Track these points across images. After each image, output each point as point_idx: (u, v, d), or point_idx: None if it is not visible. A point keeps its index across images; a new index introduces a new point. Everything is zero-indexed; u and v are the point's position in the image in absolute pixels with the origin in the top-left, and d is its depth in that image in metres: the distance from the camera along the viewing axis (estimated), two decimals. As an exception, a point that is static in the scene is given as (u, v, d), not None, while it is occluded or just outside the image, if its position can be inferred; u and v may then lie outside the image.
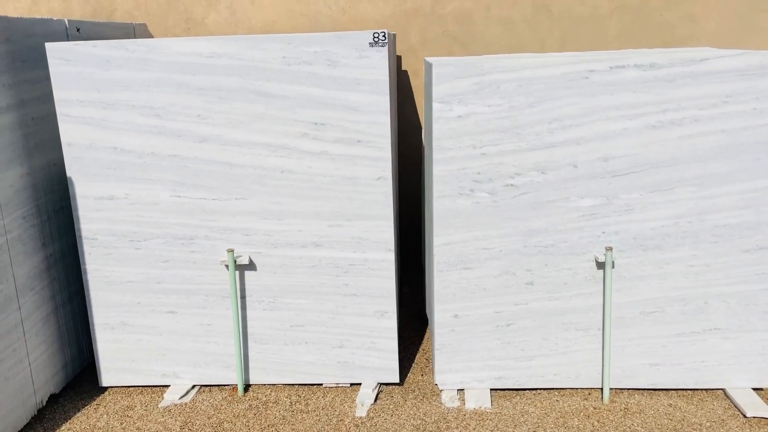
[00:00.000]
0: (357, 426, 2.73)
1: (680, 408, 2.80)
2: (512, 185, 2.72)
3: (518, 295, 2.84)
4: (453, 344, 2.91)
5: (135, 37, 3.95)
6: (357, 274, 2.87)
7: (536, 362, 2.92)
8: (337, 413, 2.82)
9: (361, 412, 2.83)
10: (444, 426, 2.72)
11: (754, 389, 2.90)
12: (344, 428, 2.72)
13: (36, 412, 2.85)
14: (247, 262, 2.86)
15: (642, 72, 2.58)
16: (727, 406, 2.80)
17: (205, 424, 2.77)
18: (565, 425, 2.70)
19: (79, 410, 2.91)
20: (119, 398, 3.00)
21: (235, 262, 2.82)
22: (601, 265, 2.78)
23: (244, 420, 2.79)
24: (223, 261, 2.84)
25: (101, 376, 3.06)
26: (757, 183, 2.66)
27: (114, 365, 3.05)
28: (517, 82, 2.61)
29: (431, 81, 2.66)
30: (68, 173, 2.81)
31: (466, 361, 2.93)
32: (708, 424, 2.69)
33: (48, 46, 2.68)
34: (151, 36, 4.24)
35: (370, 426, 2.73)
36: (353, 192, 2.78)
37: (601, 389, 2.89)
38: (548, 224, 2.76)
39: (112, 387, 3.10)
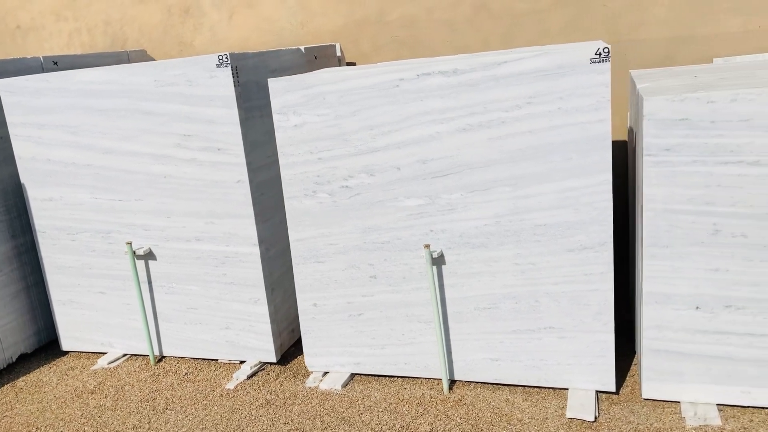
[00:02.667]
0: (221, 396, 3.16)
1: (514, 404, 2.85)
2: (347, 187, 2.96)
3: (364, 287, 3.07)
4: (315, 330, 3.21)
5: (129, 62, 4.69)
6: (232, 266, 3.29)
7: (388, 350, 3.12)
8: (213, 384, 3.27)
9: (230, 385, 3.25)
10: (290, 402, 3.05)
11: (605, 392, 2.85)
12: (211, 396, 3.16)
13: (5, 366, 3.66)
14: (145, 253, 3.40)
15: (447, 78, 2.68)
16: (561, 406, 2.79)
17: (112, 386, 3.37)
18: (394, 410, 2.89)
19: (38, 367, 3.67)
20: (70, 360, 3.72)
21: (134, 252, 3.38)
22: (433, 261, 2.91)
23: (142, 384, 3.34)
24: (125, 252, 3.42)
25: (61, 342, 3.80)
26: (572, 182, 2.63)
27: (69, 334, 3.78)
28: (339, 93, 2.85)
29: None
30: (21, 180, 3.56)
31: (328, 346, 3.21)
32: (529, 421, 2.72)
33: (0, 81, 3.44)
34: (151, 59, 4.97)
35: (231, 397, 3.14)
36: (220, 194, 3.19)
37: (448, 380, 3.02)
38: (382, 222, 2.95)
39: (71, 351, 3.84)
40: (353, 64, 4.51)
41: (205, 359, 3.55)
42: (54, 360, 3.75)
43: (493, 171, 2.73)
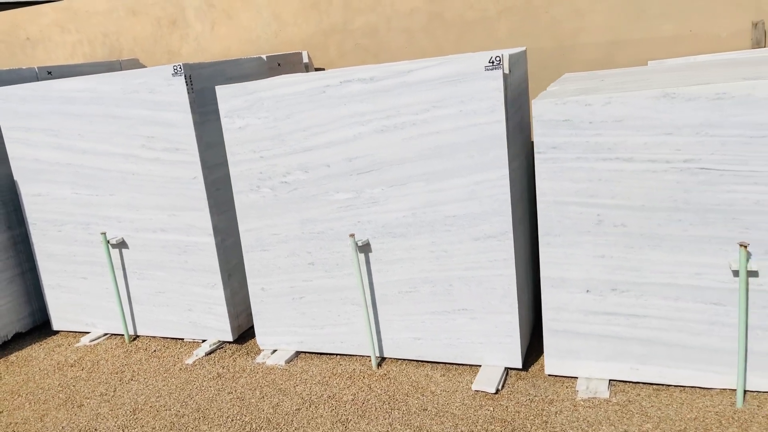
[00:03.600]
0: (180, 370, 3.54)
1: (431, 378, 3.14)
2: (286, 182, 3.30)
3: (304, 273, 3.40)
4: (264, 312, 3.56)
5: (121, 69, 5.12)
6: (192, 254, 3.66)
7: (327, 330, 3.45)
8: (176, 360, 3.65)
9: (190, 360, 3.62)
10: (238, 375, 3.40)
11: (514, 369, 3.12)
12: (172, 370, 3.54)
13: (1, 343, 4.11)
14: (118, 242, 3.80)
15: (365, 85, 2.99)
16: (472, 380, 3.08)
17: (89, 360, 3.78)
18: (326, 383, 3.22)
19: (30, 344, 4.11)
20: (59, 338, 4.16)
21: (108, 242, 3.78)
22: (360, 249, 3.22)
23: (115, 359, 3.74)
24: (101, 241, 3.82)
25: (52, 322, 4.24)
26: (475, 177, 2.91)
27: (58, 315, 4.21)
28: (275, 99, 3.19)
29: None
30: (15, 177, 4.00)
31: (275, 326, 3.56)
32: (440, 393, 3.01)
33: (-6, 90, 3.89)
34: (142, 66, 5.40)
35: (188, 370, 3.51)
36: (180, 189, 3.57)
37: (378, 357, 3.34)
38: (317, 214, 3.28)
39: (61, 330, 4.28)
40: (322, 69, 4.85)
41: (172, 338, 3.94)
42: (45, 338, 4.19)
43: (408, 168, 3.03)
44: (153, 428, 3.00)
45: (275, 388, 3.24)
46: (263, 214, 3.40)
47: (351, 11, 4.60)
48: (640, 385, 2.89)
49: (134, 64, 5.29)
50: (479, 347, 3.15)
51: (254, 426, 2.93)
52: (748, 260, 2.55)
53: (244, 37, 4.99)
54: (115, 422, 3.09)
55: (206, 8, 5.03)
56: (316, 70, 4.84)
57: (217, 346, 3.76)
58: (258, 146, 3.30)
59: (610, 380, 2.94)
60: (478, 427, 2.73)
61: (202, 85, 3.51)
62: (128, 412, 3.18)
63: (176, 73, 3.38)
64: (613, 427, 2.63)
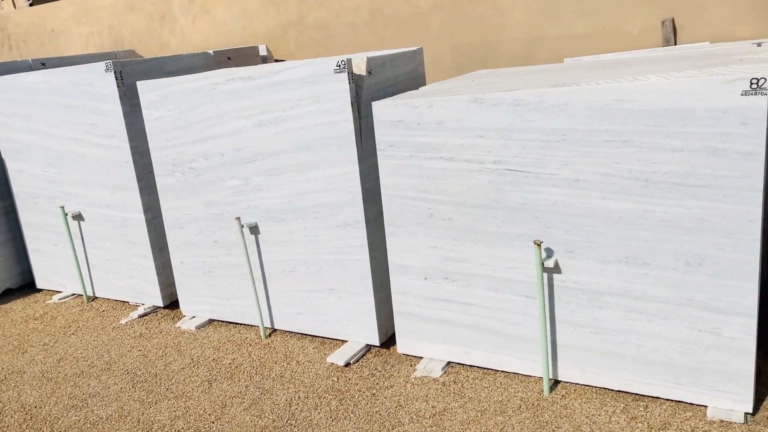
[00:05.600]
0: (113, 329, 4.07)
1: (304, 349, 3.48)
2: (192, 168, 3.70)
3: (211, 250, 3.81)
4: (184, 283, 4.01)
5: (117, 59, 5.69)
6: (129, 228, 4.16)
7: (231, 302, 3.85)
8: (114, 320, 4.19)
9: (123, 321, 4.15)
10: (154, 336, 3.89)
11: (376, 346, 3.40)
12: (107, 329, 4.08)
13: (-7, 297, 4.86)
14: (75, 215, 4.36)
15: (245, 83, 3.33)
16: (337, 352, 3.39)
17: (51, 315, 4.40)
18: (218, 348, 3.63)
19: (14, 299, 4.81)
20: (40, 296, 4.83)
21: (66, 214, 4.36)
22: (251, 231, 3.59)
23: (69, 316, 4.34)
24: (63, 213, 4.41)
25: (36, 281, 4.92)
26: (334, 170, 3.19)
27: (41, 275, 4.88)
28: (180, 93, 3.58)
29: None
30: (2, 156, 4.66)
31: (193, 296, 4.00)
32: (304, 362, 3.35)
33: (-17, 81, 4.53)
34: (139, 56, 5.96)
35: (119, 329, 4.04)
36: (117, 171, 4.06)
37: (270, 327, 3.71)
38: (217, 198, 3.66)
39: (44, 289, 4.95)
40: (282, 60, 5.20)
41: (121, 301, 4.49)
42: (28, 295, 4.88)
43: (283, 159, 3.35)
44: (66, 375, 3.55)
45: (176, 349, 3.70)
46: (177, 195, 3.83)
47: (305, 7, 4.92)
48: (474, 368, 3.10)
49: (131, 54, 5.87)
50: (346, 324, 3.45)
51: (141, 379, 3.40)
52: (548, 257, 2.69)
53: (219, 30, 5.43)
54: (42, 368, 3.67)
55: (188, 4, 5.50)
56: (276, 61, 5.20)
57: (151, 310, 4.27)
58: (170, 135, 3.73)
59: (449, 362, 3.17)
60: (314, 395, 3.05)
61: (135, 79, 3.97)
62: (55, 360, 3.74)
63: (108, 69, 3.85)
64: (425, 403, 2.87)
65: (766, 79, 2.15)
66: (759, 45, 3.32)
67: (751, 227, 2.30)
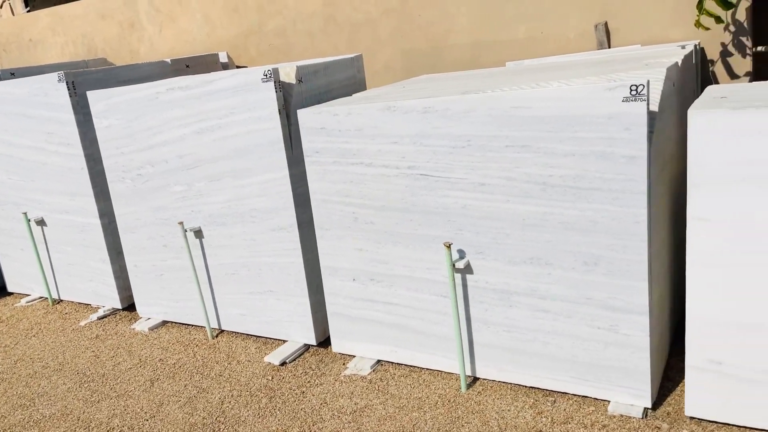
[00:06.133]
0: (72, 330, 4.20)
1: (246, 349, 3.59)
2: (140, 175, 3.82)
3: (161, 254, 3.93)
4: (139, 285, 4.13)
5: (87, 67, 5.83)
6: (87, 233, 4.29)
7: (181, 304, 3.97)
8: (75, 322, 4.32)
9: (83, 323, 4.28)
10: (110, 337, 4.01)
11: (314, 345, 3.50)
12: (67, 330, 4.22)
13: (-37, 301, 5.00)
14: (38, 221, 4.50)
15: (183, 92, 3.44)
16: (275, 352, 3.49)
17: (16, 318, 4.54)
18: (166, 348, 3.75)
19: (-15, 303, 4.97)
20: (10, 299, 4.97)
21: (29, 220, 4.50)
22: (196, 235, 3.70)
23: (33, 319, 4.48)
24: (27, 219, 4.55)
25: (7, 285, 5.07)
26: (267, 176, 3.29)
27: (11, 279, 5.02)
28: (126, 102, 3.70)
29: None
30: (-31, 164, 4.82)
31: (148, 298, 4.13)
32: (244, 361, 3.46)
33: (-49, 91, 4.68)
34: (110, 64, 6.10)
35: (78, 331, 4.17)
36: (73, 178, 4.19)
37: (217, 328, 3.82)
38: (164, 203, 3.78)
39: (15, 292, 5.10)
40: (244, 66, 5.31)
41: (84, 303, 4.63)
42: (1, 298, 5.04)
43: (221, 165, 3.46)
44: (20, 375, 3.68)
45: (127, 349, 3.82)
46: (128, 201, 3.95)
47: (264, 15, 5.02)
48: (401, 366, 3.20)
49: (102, 62, 6.00)
50: (286, 325, 3.55)
51: (89, 379, 3.52)
52: (459, 258, 2.79)
53: (184, 38, 5.55)
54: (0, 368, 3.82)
55: (155, 13, 5.63)
56: (238, 68, 5.31)
57: (110, 313, 4.40)
58: (119, 143, 3.85)
59: (378, 360, 3.26)
60: (247, 393, 3.16)
61: (93, 88, 4.09)
62: (13, 361, 3.88)
63: (60, 80, 3.98)
64: (349, 400, 2.97)
65: (644, 86, 2.23)
66: (683, 47, 3.38)
67: (638, 228, 2.38)
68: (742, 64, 3.45)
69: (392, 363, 3.24)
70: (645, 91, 2.23)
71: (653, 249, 2.47)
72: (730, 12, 3.42)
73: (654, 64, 2.81)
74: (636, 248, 2.40)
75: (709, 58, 3.53)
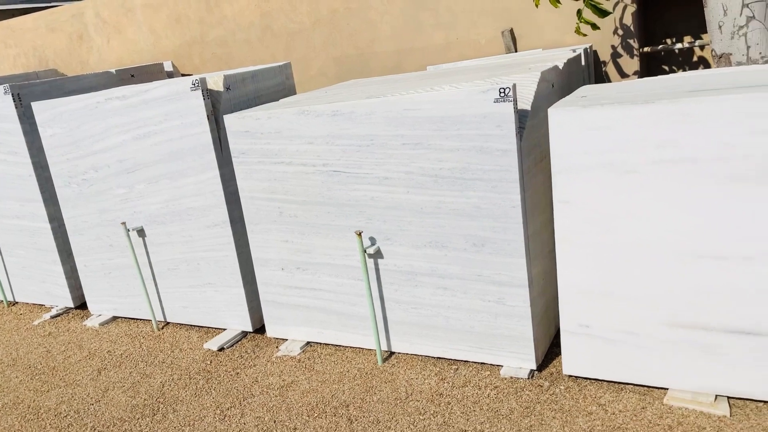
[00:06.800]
0: (26, 329, 4.43)
1: (189, 338, 3.87)
2: (85, 179, 4.07)
3: (107, 254, 4.18)
4: (89, 284, 4.38)
5: (37, 79, 6.03)
6: (38, 237, 4.52)
7: (129, 300, 4.23)
8: (28, 322, 4.55)
9: (36, 322, 4.51)
10: (62, 334, 4.25)
11: (251, 332, 3.79)
12: (21, 329, 4.44)
13: None
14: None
15: (121, 101, 3.71)
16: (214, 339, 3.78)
17: (-28, 320, 4.76)
18: (114, 341, 4.01)
19: (-58, 308, 5.15)
20: (-35, 304, 5.17)
21: (-19, 226, 4.71)
22: (139, 234, 3.97)
23: (-10, 320, 4.70)
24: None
25: (-38, 291, 5.26)
26: (200, 177, 3.58)
27: (-35, 285, 5.21)
28: (69, 112, 3.95)
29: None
30: None
31: (98, 296, 4.38)
32: (186, 348, 3.74)
33: None
34: (61, 75, 6.30)
35: (31, 330, 4.40)
36: (23, 184, 4.42)
37: (163, 321, 4.09)
38: (108, 205, 4.04)
39: (-30, 298, 5.29)
40: (189, 75, 5.57)
41: (38, 304, 4.85)
42: (-45, 303, 5.22)
43: (158, 168, 3.74)
44: (-26, 371, 3.92)
45: (78, 344, 4.07)
46: (75, 205, 4.20)
47: (205, 25, 5.30)
48: (328, 345, 3.51)
49: (53, 73, 6.21)
50: (224, 314, 3.84)
51: (39, 371, 3.77)
52: (371, 245, 3.11)
53: (131, 48, 5.79)
54: (-46, 366, 4.03)
55: (102, 24, 5.86)
56: (183, 75, 5.57)
57: (63, 311, 4.63)
58: (64, 150, 4.09)
59: (308, 342, 3.57)
60: (186, 376, 3.45)
61: (38, 99, 4.32)
62: (-32, 359, 4.11)
63: (6, 92, 4.21)
64: (278, 378, 3.28)
65: (510, 89, 2.58)
66: (574, 51, 3.76)
67: (514, 212, 2.73)
68: (631, 64, 3.84)
69: (320, 343, 3.55)
70: (511, 94, 2.58)
71: (531, 230, 2.83)
72: (618, 17, 3.81)
73: (536, 67, 3.17)
74: (514, 229, 2.75)
75: (602, 59, 3.91)
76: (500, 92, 2.59)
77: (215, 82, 3.56)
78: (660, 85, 2.80)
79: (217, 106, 3.53)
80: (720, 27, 3.24)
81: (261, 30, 5.02)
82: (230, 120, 3.35)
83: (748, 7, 3.14)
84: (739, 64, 3.26)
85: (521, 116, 2.74)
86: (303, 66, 4.96)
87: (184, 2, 5.31)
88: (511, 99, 2.58)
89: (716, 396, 2.52)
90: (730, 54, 3.24)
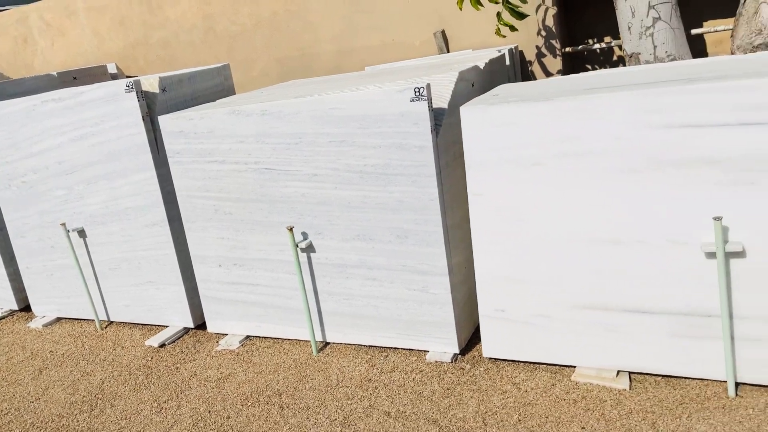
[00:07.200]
0: (-32, 332, 4.44)
1: (132, 336, 3.94)
2: (25, 182, 4.10)
3: (50, 255, 4.22)
4: (33, 286, 4.40)
5: (-20, 83, 5.99)
6: (-21, 239, 4.53)
7: (72, 300, 4.27)
8: (-29, 325, 4.56)
9: (-21, 324, 4.52)
10: (6, 336, 4.27)
11: (192, 328, 3.88)
12: (-37, 333, 4.44)
13: None
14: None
15: (57, 104, 3.76)
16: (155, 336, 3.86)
17: None
18: (57, 341, 4.05)
19: None
20: None
21: None
22: (79, 234, 4.01)
23: (-68, 325, 4.68)
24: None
25: None
26: (137, 177, 3.66)
27: None
28: (7, 115, 3.98)
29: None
30: None
31: (42, 297, 4.40)
32: (128, 346, 3.81)
33: None
34: (6, 78, 6.27)
35: (-27, 333, 4.41)
36: (-38, 188, 4.42)
37: (106, 320, 4.15)
38: (48, 207, 4.08)
39: None
40: (134, 76, 5.60)
41: (-18, 308, 4.86)
42: None
43: (97, 169, 3.79)
44: None
45: (21, 345, 4.10)
46: (17, 207, 4.22)
47: (149, 27, 5.34)
48: (267, 339, 3.62)
49: (-4, 76, 6.17)
50: (166, 311, 3.92)
51: (-19, 373, 3.80)
52: (303, 240, 3.23)
53: (75, 51, 5.79)
54: None
55: (45, 27, 5.85)
56: (127, 78, 5.60)
57: (8, 314, 4.64)
58: (3, 153, 4.11)
59: (248, 335, 3.68)
60: (126, 373, 3.52)
61: (-25, 103, 4.33)
62: None
63: (-57, 96, 4.21)
64: (216, 371, 3.38)
65: (424, 89, 2.73)
66: (499, 51, 3.94)
67: (433, 205, 2.88)
68: (554, 63, 4.04)
69: (259, 337, 3.66)
70: (426, 93, 2.73)
71: (451, 221, 2.98)
72: (540, 19, 4.00)
73: (458, 67, 3.33)
74: (433, 221, 2.90)
75: (528, 59, 4.10)
76: (415, 92, 2.74)
77: (151, 84, 3.63)
78: (570, 83, 2.99)
79: (152, 108, 3.60)
80: (629, 28, 3.45)
81: (203, 32, 5.09)
82: (164, 121, 3.43)
83: (654, 8, 3.35)
84: (647, 62, 3.47)
85: (438, 114, 2.90)
86: (246, 67, 5.05)
87: (127, 4, 5.35)
88: (426, 98, 2.73)
89: (618, 371, 2.71)
90: (639, 53, 3.46)
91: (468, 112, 2.70)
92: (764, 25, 3.01)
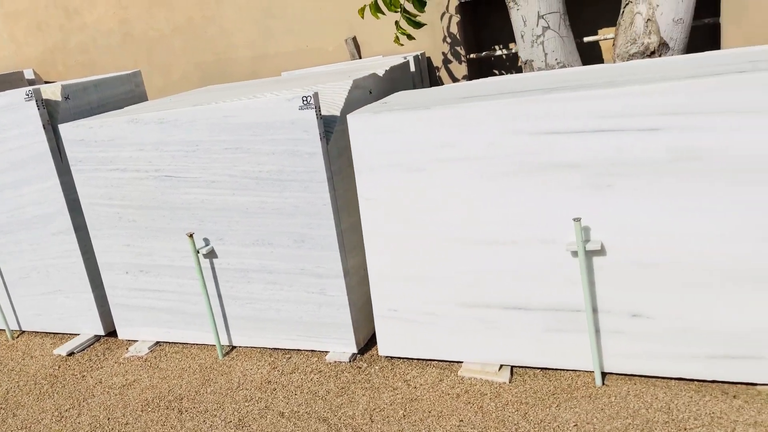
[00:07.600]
0: None
1: (43, 346, 3.91)
2: (-71, 191, 4.03)
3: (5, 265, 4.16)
4: (-59, 297, 4.32)
5: None
6: None
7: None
8: None
9: None
10: None
11: (102, 335, 3.88)
12: None
13: None
14: None
15: (-42, 112, 3.70)
16: (68, 345, 3.84)
17: None
18: (20, 351, 4.00)
19: None
20: None
21: None
22: (-9, 244, 3.97)
23: None
24: None
25: None
26: (42, 185, 3.64)
27: None
28: None
29: None
30: None
31: None
32: (37, 356, 3.78)
33: None
34: None
35: None
36: None
37: (18, 330, 4.11)
38: None
39: None
40: (53, 82, 5.53)
41: None
42: None
43: (2, 177, 3.75)
44: None
45: (-73, 358, 4.03)
46: None
47: (66, 32, 5.28)
48: (176, 344, 3.65)
49: None
50: (77, 319, 3.91)
51: None
52: (205, 245, 3.28)
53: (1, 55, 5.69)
54: None
55: (-41, 31, 5.72)
56: (46, 83, 5.53)
57: None
58: None
59: (157, 342, 3.70)
60: (32, 382, 3.50)
61: None
62: None
63: None
64: (122, 378, 3.39)
65: (312, 97, 2.81)
66: (405, 58, 4.05)
67: (325, 210, 2.97)
68: (460, 69, 4.18)
69: (168, 342, 3.68)
70: (313, 101, 2.81)
71: (345, 225, 3.07)
72: (446, 26, 4.13)
73: (356, 75, 3.42)
74: (327, 225, 2.99)
75: (435, 65, 4.23)
76: (303, 100, 2.82)
77: (53, 92, 3.61)
78: (458, 91, 3.11)
79: (55, 116, 3.59)
80: (522, 36, 3.60)
81: (121, 36, 5.07)
82: (65, 129, 3.43)
83: (543, 18, 3.51)
84: (540, 69, 3.63)
85: (329, 121, 2.98)
86: (165, 72, 5.04)
87: (44, 9, 5.28)
88: (314, 106, 2.81)
89: (501, 366, 2.85)
90: (532, 60, 3.61)
91: (354, 120, 2.80)
92: (638, 35, 3.19)
